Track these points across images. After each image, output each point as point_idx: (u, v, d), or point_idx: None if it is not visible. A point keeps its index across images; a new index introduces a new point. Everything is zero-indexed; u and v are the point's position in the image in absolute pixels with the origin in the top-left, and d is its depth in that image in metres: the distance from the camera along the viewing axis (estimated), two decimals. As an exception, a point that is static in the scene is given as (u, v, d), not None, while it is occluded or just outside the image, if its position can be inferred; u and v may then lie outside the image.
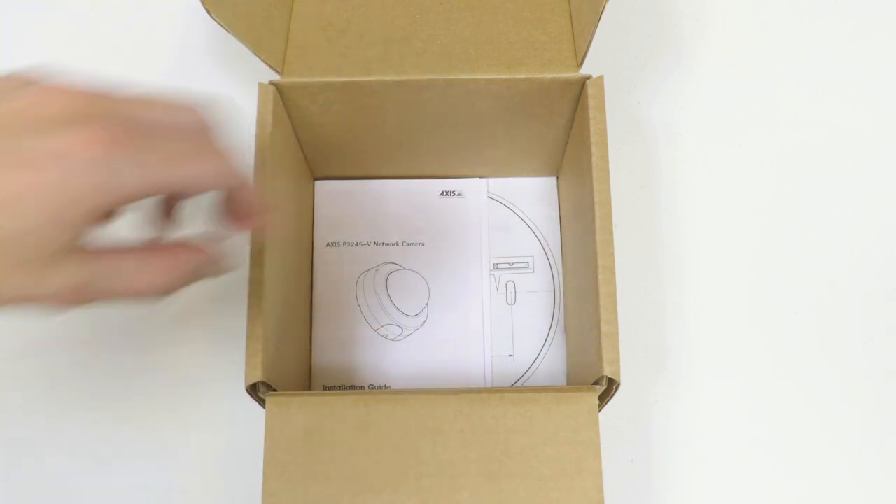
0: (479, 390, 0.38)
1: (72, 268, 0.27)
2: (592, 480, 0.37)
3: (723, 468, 0.48)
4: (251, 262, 0.39)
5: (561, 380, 0.49)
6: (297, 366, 0.46)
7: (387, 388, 0.49)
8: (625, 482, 0.48)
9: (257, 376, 0.37)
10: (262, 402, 0.38)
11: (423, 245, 0.51)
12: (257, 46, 0.40)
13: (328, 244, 0.51)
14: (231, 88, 0.54)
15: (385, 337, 0.50)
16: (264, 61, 0.41)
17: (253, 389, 0.38)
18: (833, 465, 0.49)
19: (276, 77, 0.42)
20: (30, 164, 0.25)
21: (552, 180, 0.53)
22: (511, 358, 0.49)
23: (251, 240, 0.39)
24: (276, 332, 0.40)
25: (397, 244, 0.51)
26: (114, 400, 0.49)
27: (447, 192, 0.52)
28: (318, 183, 0.53)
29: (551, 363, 0.49)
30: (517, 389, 0.38)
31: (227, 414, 0.49)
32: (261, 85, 0.42)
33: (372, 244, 0.51)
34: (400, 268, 0.51)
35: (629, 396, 0.48)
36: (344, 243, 0.51)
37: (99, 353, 0.50)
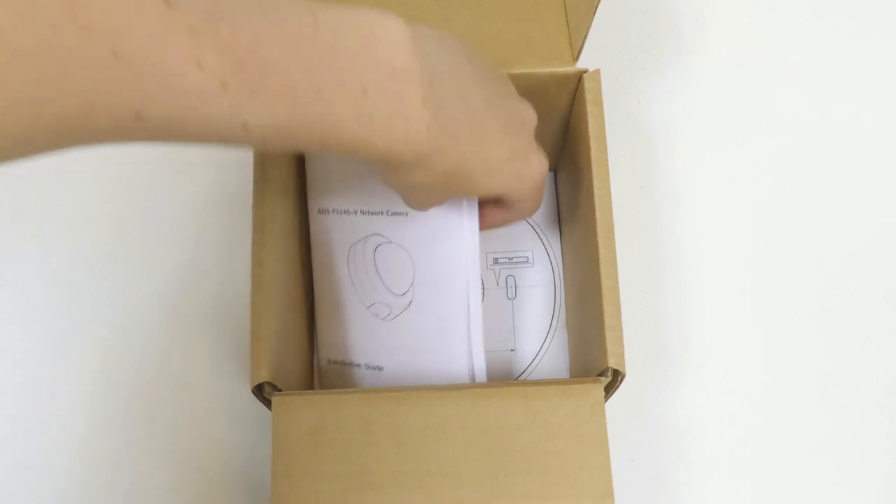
0: (482, 385, 0.38)
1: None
2: (600, 474, 0.36)
3: (723, 468, 0.49)
4: (253, 261, 0.39)
5: (563, 374, 0.49)
6: (299, 364, 0.46)
7: (380, 369, 0.47)
8: (625, 482, 0.48)
9: (263, 377, 0.37)
10: (267, 402, 0.38)
11: (406, 215, 0.45)
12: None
13: (319, 211, 0.47)
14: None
15: (376, 315, 0.47)
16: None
17: (258, 390, 0.38)
18: (834, 465, 0.49)
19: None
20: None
21: (549, 175, 0.53)
22: (513, 352, 0.49)
23: (253, 239, 0.39)
24: (279, 331, 0.40)
25: (382, 213, 0.46)
26: (115, 399, 0.49)
27: None
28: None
29: (553, 357, 0.49)
30: (521, 384, 0.38)
31: (230, 413, 0.49)
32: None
33: (359, 212, 0.46)
34: (386, 240, 0.47)
35: (629, 397, 0.48)
36: (333, 210, 0.47)
37: (101, 353, 0.50)
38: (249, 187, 0.41)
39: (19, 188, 0.53)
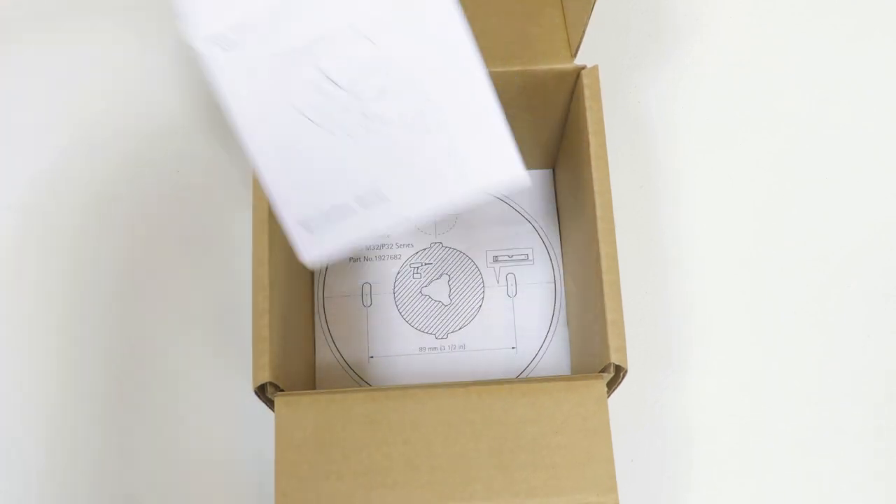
0: (487, 382, 0.38)
1: None
2: (604, 468, 0.37)
3: (723, 467, 0.48)
4: (254, 260, 0.39)
5: (565, 372, 0.49)
6: (301, 364, 0.45)
7: (385, 200, 0.37)
8: (625, 482, 0.48)
9: (265, 377, 0.37)
10: (270, 402, 0.38)
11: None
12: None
13: (212, 40, 0.36)
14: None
15: (355, 135, 0.36)
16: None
17: (261, 390, 0.38)
18: (834, 465, 0.49)
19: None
20: None
21: (548, 172, 0.53)
22: (514, 350, 0.49)
23: (253, 239, 0.39)
24: (281, 331, 0.40)
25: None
26: (116, 400, 0.49)
27: None
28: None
29: (554, 355, 0.49)
30: (525, 380, 0.38)
31: (232, 413, 0.49)
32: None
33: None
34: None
35: (629, 396, 0.48)
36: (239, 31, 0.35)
37: (101, 353, 0.50)
38: (249, 186, 0.41)
39: (18, 186, 0.53)
